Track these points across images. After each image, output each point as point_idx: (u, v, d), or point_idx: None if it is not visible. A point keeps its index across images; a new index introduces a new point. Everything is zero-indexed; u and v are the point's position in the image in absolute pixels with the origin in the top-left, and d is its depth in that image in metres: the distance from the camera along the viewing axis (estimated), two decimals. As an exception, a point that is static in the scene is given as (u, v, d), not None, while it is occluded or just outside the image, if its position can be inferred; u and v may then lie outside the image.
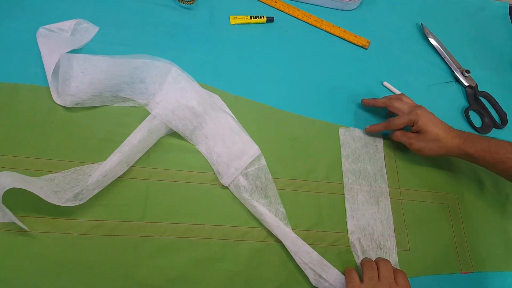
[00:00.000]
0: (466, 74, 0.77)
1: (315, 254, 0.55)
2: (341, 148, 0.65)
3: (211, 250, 0.54)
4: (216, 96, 0.64)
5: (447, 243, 0.61)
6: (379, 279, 0.51)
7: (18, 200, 0.51)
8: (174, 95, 0.59)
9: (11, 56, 0.63)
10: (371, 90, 0.73)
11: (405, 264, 0.58)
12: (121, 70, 0.60)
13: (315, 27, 0.77)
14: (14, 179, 0.48)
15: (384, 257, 0.57)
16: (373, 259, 0.55)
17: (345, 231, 0.59)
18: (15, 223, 0.49)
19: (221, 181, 0.58)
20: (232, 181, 0.58)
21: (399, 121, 0.62)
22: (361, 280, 0.52)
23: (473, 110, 0.75)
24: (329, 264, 0.55)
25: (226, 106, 0.64)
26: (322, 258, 0.55)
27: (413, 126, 0.62)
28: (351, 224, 0.59)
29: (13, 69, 0.62)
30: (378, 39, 0.79)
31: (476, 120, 0.74)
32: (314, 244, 0.57)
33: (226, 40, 0.72)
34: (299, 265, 0.54)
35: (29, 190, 0.49)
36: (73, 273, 0.50)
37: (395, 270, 0.53)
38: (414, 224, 0.61)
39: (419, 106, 0.62)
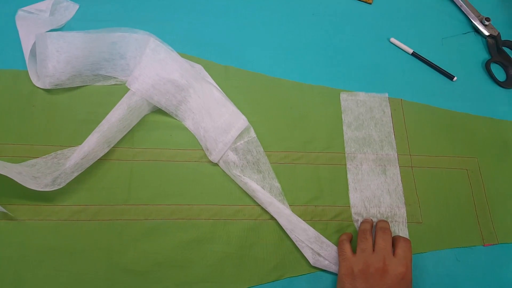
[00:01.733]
0: (486, 23, 0.67)
1: (312, 231, 0.50)
2: (342, 115, 0.59)
3: (200, 231, 0.51)
4: (199, 66, 0.59)
5: (466, 212, 0.54)
6: (374, 250, 0.46)
7: (-3, 188, 0.50)
8: (153, 68, 0.55)
9: (-10, 41, 0.61)
10: (377, 48, 0.66)
11: (417, 238, 0.52)
12: (98, 46, 0.57)
13: (312, -16, 0.70)
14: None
15: (393, 230, 0.52)
16: (376, 222, 0.50)
17: (347, 204, 0.53)
18: (-6, 212, 0.48)
19: (209, 158, 0.54)
20: (221, 157, 0.54)
21: None
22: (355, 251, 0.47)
23: (496, 62, 0.66)
24: (327, 241, 0.50)
25: (209, 76, 0.59)
26: (319, 235, 0.50)
27: None
28: (353, 197, 0.54)
29: (-8, 55, 0.60)
30: (383, -8, 0.71)
31: (500, 74, 0.65)
32: (313, 220, 0.52)
33: (213, 6, 0.67)
34: (296, 243, 0.50)
35: (6, 174, 0.47)
36: (56, 261, 0.48)
37: (397, 240, 0.47)
38: (427, 194, 0.55)
39: None
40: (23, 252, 0.48)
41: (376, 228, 0.49)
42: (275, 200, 0.51)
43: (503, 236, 0.53)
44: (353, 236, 0.51)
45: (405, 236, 0.52)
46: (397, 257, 0.45)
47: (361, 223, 0.51)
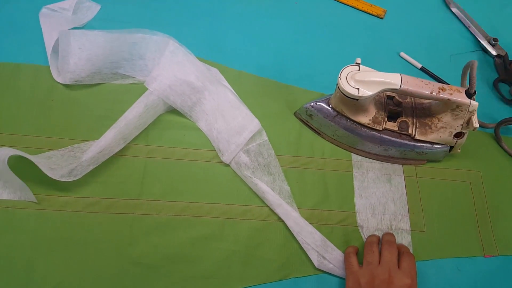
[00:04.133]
0: (494, 43, 0.70)
1: (318, 235, 0.51)
2: (351, 123, 0.61)
3: (209, 228, 0.52)
4: (215, 69, 0.61)
5: (468, 223, 0.55)
6: (380, 262, 0.47)
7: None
8: (171, 69, 0.57)
9: (15, 36, 0.63)
10: (387, 62, 0.68)
11: (420, 246, 0.53)
12: (119, 45, 0.59)
13: (326, -3, 0.73)
14: (12, 152, 0.48)
15: (397, 238, 0.53)
16: (381, 236, 0.51)
17: (352, 210, 0.55)
18: (12, 200, 0.49)
19: (222, 158, 0.56)
20: (233, 158, 0.55)
21: None
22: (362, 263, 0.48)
23: (503, 81, 0.68)
24: (332, 245, 0.51)
25: (225, 80, 0.61)
26: (325, 239, 0.51)
27: None
28: (359, 203, 0.55)
29: (16, 49, 0.62)
30: (394, 8, 0.73)
31: (507, 92, 0.67)
32: (319, 223, 0.53)
33: (230, 13, 0.69)
34: (302, 245, 0.51)
35: (29, 158, 0.49)
36: (67, 250, 0.49)
37: (402, 253, 0.48)
38: (431, 204, 0.56)
39: None
40: (37, 240, 0.49)
41: (382, 241, 0.51)
42: (284, 203, 0.53)
43: (503, 249, 0.54)
44: (359, 248, 0.52)
45: (408, 243, 0.53)
46: (402, 270, 0.46)
47: (368, 236, 0.52)
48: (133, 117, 0.54)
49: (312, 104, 0.58)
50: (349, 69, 0.52)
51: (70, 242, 0.50)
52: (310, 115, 0.58)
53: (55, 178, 0.49)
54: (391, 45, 0.70)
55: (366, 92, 0.50)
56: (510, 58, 0.69)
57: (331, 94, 0.57)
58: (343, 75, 0.52)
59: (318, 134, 0.60)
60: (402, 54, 0.68)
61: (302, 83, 0.64)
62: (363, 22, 0.72)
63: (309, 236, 0.51)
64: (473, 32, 0.72)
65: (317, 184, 0.56)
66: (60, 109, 0.58)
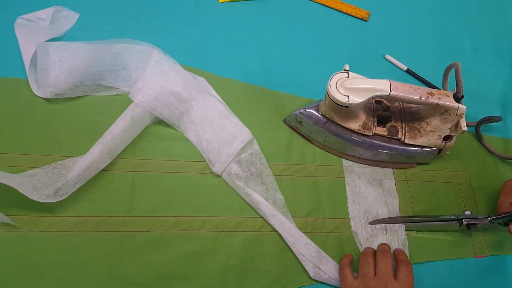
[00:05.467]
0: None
1: (313, 246, 0.51)
2: (340, 129, 0.61)
3: (202, 243, 0.51)
4: (202, 78, 0.60)
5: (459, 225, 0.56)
6: (375, 274, 0.47)
7: (-3, 198, 0.49)
8: (156, 80, 0.55)
9: (-12, 49, 0.60)
10: (373, 65, 0.68)
11: (414, 249, 0.53)
12: (101, 56, 0.57)
13: (310, 0, 0.72)
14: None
15: (392, 241, 0.53)
16: (377, 245, 0.51)
17: (345, 216, 0.55)
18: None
19: (213, 169, 0.55)
20: (225, 169, 0.54)
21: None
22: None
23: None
24: (327, 256, 0.51)
25: (213, 89, 0.60)
26: (320, 249, 0.51)
27: None
28: (352, 209, 0.55)
29: (-9, 63, 0.59)
30: (378, 10, 0.73)
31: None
32: (313, 232, 0.53)
33: (214, 20, 0.68)
34: (297, 256, 0.51)
35: (8, 184, 0.46)
36: (56, 273, 0.47)
37: (399, 262, 0.48)
38: (422, 206, 0.57)
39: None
40: (24, 263, 0.47)
41: (377, 251, 0.50)
42: (278, 213, 0.52)
43: (494, 249, 0.55)
44: (354, 258, 0.52)
45: (404, 244, 0.53)
46: (399, 281, 0.46)
47: (364, 248, 0.52)
48: (119, 132, 0.53)
49: (301, 111, 0.57)
50: (338, 76, 0.52)
51: (59, 263, 0.48)
52: (300, 122, 0.58)
53: (40, 200, 0.47)
54: (376, 48, 0.70)
55: (356, 99, 0.50)
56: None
57: (320, 100, 0.56)
58: (332, 82, 0.51)
59: (308, 140, 0.59)
60: (388, 56, 0.68)
61: (290, 89, 0.64)
62: (348, 25, 0.71)
63: (304, 247, 0.51)
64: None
65: (309, 191, 0.56)
66: (41, 124, 0.56)
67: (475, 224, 0.51)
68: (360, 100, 0.50)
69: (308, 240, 0.51)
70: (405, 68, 0.68)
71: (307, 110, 0.57)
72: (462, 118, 0.53)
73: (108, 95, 0.59)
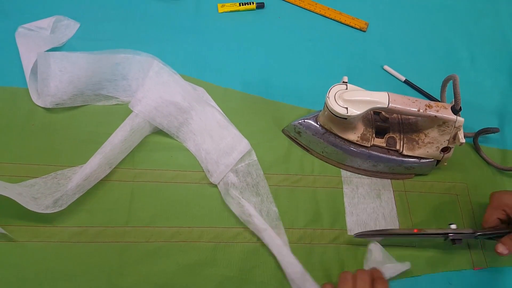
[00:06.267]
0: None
1: (299, 267, 0.50)
2: (339, 139, 0.61)
3: (201, 254, 0.51)
4: (201, 89, 0.60)
5: (457, 237, 0.56)
6: None
7: (-4, 208, 0.49)
8: (156, 90, 0.55)
9: (-11, 58, 0.60)
10: (371, 75, 0.69)
11: (411, 261, 0.53)
12: (101, 66, 0.57)
13: (309, 11, 0.73)
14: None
15: (388, 253, 0.53)
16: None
17: (344, 228, 0.55)
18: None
19: (210, 179, 0.55)
20: (222, 179, 0.55)
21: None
22: None
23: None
24: (311, 279, 0.49)
25: (212, 100, 0.60)
26: (305, 272, 0.49)
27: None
28: (350, 221, 0.55)
29: (-9, 72, 0.59)
30: (376, 20, 0.74)
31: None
32: (312, 243, 0.53)
33: (213, 30, 0.68)
34: (286, 275, 0.50)
35: (6, 195, 0.47)
36: (55, 283, 0.47)
37: (376, 280, 0.47)
38: (420, 218, 0.57)
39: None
40: (22, 274, 0.47)
41: (358, 270, 0.49)
42: (269, 228, 0.51)
43: (491, 260, 0.55)
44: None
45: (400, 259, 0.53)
46: None
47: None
48: (118, 142, 0.53)
49: (300, 121, 0.57)
50: (337, 88, 0.52)
51: (58, 274, 0.48)
52: (299, 132, 0.58)
53: (39, 211, 0.47)
54: (375, 58, 0.70)
55: (354, 111, 0.50)
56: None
57: (319, 111, 0.57)
58: (331, 94, 0.51)
59: (307, 150, 0.60)
60: (386, 67, 0.69)
61: (289, 99, 0.64)
62: (346, 35, 0.72)
63: (289, 266, 0.50)
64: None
65: (308, 202, 0.56)
66: (41, 133, 0.56)
67: (460, 240, 0.50)
68: (358, 112, 0.50)
69: (295, 261, 0.50)
70: (403, 78, 0.68)
71: (305, 120, 0.57)
72: (460, 130, 0.53)
73: (108, 105, 0.59)
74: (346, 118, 0.51)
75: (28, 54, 0.59)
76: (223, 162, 0.55)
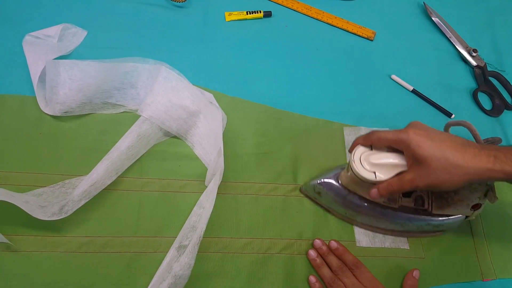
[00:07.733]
0: (474, 54, 0.71)
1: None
2: (346, 150, 0.61)
3: (209, 264, 0.51)
4: (210, 94, 0.60)
5: (466, 248, 0.56)
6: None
7: (3, 217, 0.49)
8: (165, 95, 0.56)
9: (-3, 66, 0.60)
10: (379, 84, 0.68)
11: (421, 273, 0.53)
12: (110, 75, 0.57)
13: (316, 19, 0.73)
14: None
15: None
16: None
17: (352, 239, 0.55)
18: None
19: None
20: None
21: (385, 134, 0.47)
22: None
23: (482, 91, 0.70)
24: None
25: (218, 106, 0.60)
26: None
27: (406, 154, 0.46)
28: (358, 232, 0.55)
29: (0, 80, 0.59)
30: (383, 30, 0.74)
31: (486, 103, 0.69)
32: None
33: (221, 38, 0.68)
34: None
35: (13, 203, 0.46)
36: (62, 294, 0.47)
37: (353, 266, 0.51)
38: (429, 229, 0.57)
39: (411, 124, 0.48)
40: (29, 285, 0.47)
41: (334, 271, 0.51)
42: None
43: (501, 272, 0.55)
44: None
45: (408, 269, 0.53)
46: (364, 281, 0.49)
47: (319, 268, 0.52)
48: (125, 148, 0.53)
49: (320, 181, 0.54)
50: (361, 150, 0.49)
51: (65, 284, 0.47)
52: (319, 193, 0.55)
53: (45, 218, 0.47)
54: (382, 68, 0.70)
55: (383, 177, 0.47)
56: (489, 69, 0.71)
57: (338, 167, 0.54)
58: (356, 157, 0.48)
59: (328, 211, 0.56)
60: (394, 76, 0.69)
61: (296, 108, 0.64)
62: (354, 44, 0.72)
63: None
64: (453, 42, 0.73)
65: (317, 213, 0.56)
66: (49, 142, 0.56)
67: None
68: (387, 177, 0.47)
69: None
70: (411, 88, 0.68)
71: (325, 180, 0.54)
72: (492, 187, 0.50)
73: (115, 113, 0.59)
74: (374, 184, 0.48)
75: (35, 62, 0.59)
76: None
